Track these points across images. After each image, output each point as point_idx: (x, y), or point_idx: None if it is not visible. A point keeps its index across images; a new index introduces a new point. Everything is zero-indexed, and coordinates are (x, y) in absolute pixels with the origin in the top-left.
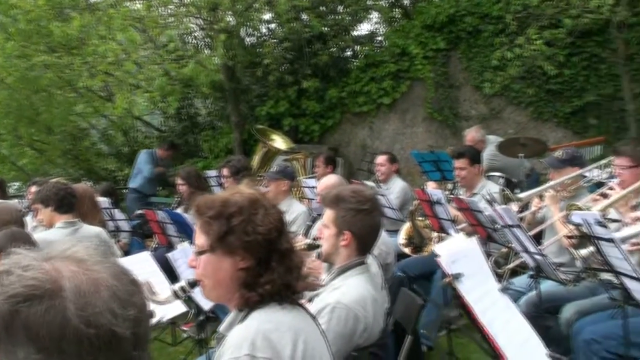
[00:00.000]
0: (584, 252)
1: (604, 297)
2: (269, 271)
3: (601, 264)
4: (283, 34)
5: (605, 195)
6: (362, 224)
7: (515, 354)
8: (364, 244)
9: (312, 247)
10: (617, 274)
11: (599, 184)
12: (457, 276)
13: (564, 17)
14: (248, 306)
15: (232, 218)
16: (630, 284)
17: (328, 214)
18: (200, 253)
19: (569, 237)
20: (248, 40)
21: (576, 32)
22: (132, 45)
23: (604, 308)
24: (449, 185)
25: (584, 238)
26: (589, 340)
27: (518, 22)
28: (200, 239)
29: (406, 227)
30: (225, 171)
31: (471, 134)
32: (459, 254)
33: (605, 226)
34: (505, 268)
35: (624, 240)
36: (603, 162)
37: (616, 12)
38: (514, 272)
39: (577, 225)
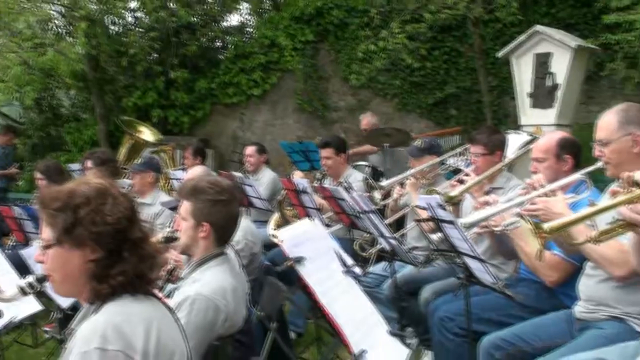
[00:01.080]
0: (434, 236)
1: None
2: (121, 262)
3: (448, 245)
4: (149, 23)
5: (461, 182)
6: (221, 215)
7: (355, 332)
8: (223, 234)
9: (170, 239)
10: (459, 254)
11: (456, 171)
12: (298, 259)
13: (424, 12)
14: (100, 299)
15: (79, 209)
16: (471, 263)
17: (185, 206)
18: (47, 247)
19: (419, 221)
20: (112, 28)
21: (436, 27)
22: None
23: (457, 288)
24: (318, 175)
25: (430, 221)
26: (443, 318)
27: (382, 16)
28: (46, 232)
29: (275, 217)
30: (88, 164)
31: (367, 119)
32: (302, 238)
33: (445, 209)
34: (369, 252)
35: (474, 223)
36: (458, 150)
37: (471, 9)
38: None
39: (424, 209)
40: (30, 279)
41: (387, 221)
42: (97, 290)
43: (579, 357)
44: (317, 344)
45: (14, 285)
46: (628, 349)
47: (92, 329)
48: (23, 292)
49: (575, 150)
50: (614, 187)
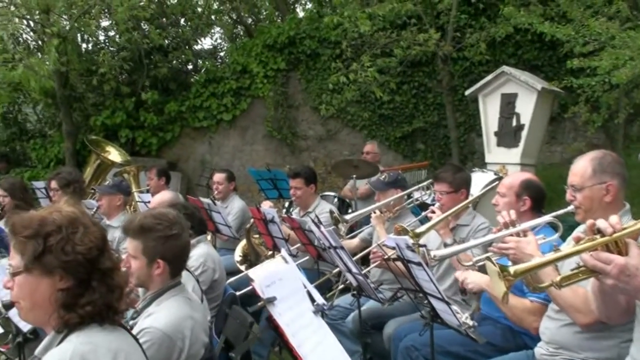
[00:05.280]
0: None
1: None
2: (90, 291)
3: (413, 284)
4: (121, 43)
5: (427, 219)
6: (174, 249)
7: None
8: (177, 266)
9: None
10: (425, 294)
11: (422, 205)
12: (270, 300)
13: (395, 48)
14: (67, 328)
15: (50, 237)
16: (436, 304)
17: (134, 245)
18: (15, 274)
19: (387, 260)
20: (84, 46)
21: (406, 62)
22: None
23: (422, 327)
24: (286, 204)
25: (398, 261)
26: (409, 347)
27: (353, 49)
28: (16, 259)
29: (242, 244)
30: (53, 184)
31: (371, 146)
32: (273, 277)
33: (414, 250)
34: (335, 288)
35: (445, 257)
36: (424, 184)
37: (441, 47)
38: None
39: (392, 249)
40: None
41: (356, 258)
42: (65, 319)
43: None
44: None
45: None
46: None
47: (58, 358)
48: None
49: (537, 194)
50: (577, 233)
